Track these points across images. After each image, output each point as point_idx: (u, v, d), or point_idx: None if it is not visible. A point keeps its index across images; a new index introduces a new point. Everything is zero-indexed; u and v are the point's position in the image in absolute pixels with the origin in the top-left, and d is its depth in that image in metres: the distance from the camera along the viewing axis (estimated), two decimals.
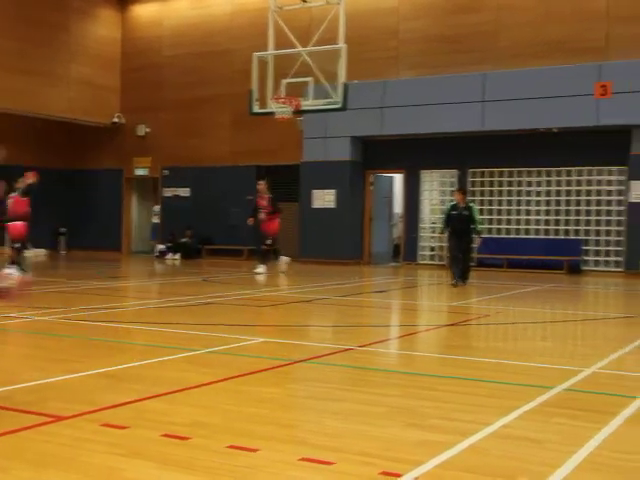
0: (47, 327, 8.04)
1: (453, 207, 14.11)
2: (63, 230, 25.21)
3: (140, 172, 24.48)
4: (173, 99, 23.67)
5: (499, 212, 19.13)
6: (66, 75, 22.77)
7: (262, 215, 16.76)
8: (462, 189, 14.96)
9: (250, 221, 17.01)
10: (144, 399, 4.79)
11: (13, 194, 14.60)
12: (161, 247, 22.71)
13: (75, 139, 25.34)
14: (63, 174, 25.24)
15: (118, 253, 24.31)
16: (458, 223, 13.88)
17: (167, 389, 5.07)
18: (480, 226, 14.31)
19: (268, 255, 16.77)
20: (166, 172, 23.85)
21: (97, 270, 17.20)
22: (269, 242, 16.68)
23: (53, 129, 24.61)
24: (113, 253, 24.05)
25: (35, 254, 22.73)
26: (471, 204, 14.38)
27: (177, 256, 21.99)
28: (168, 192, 23.89)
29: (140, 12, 24.50)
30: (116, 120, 24.39)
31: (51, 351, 6.62)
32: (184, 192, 23.52)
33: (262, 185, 17.10)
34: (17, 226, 14.59)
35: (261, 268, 16.41)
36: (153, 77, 24.04)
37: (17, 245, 14.64)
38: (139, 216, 25.31)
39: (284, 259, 16.67)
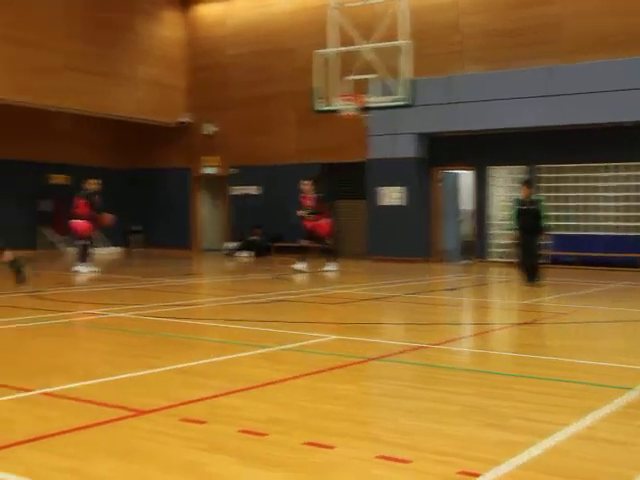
0: (123, 324, 8.22)
1: (520, 202, 13.54)
2: (135, 229, 25.73)
3: (208, 171, 24.80)
4: (238, 98, 23.90)
5: (569, 208, 18.74)
6: (134, 76, 23.21)
7: (304, 214, 16.60)
8: (527, 182, 14.12)
9: (300, 213, 16.73)
10: (220, 395, 4.86)
11: (80, 194, 16.03)
12: (231, 245, 22.96)
13: (144, 139, 25.81)
14: (133, 174, 25.78)
15: (188, 251, 24.68)
16: (525, 219, 13.19)
17: (242, 385, 5.13)
18: (546, 222, 13.62)
19: (327, 253, 16.63)
20: (234, 170, 24.10)
21: (170, 268, 17.50)
22: (329, 242, 16.74)
23: (122, 129, 25.13)
24: (184, 251, 24.42)
25: (108, 252, 23.28)
26: (538, 198, 13.78)
27: (247, 254, 22.21)
28: (236, 190, 24.15)
29: (204, 13, 24.81)
30: (183, 120, 24.76)
31: (128, 347, 6.77)
32: (252, 190, 23.74)
33: (307, 185, 16.74)
34: (79, 224, 15.81)
35: (300, 265, 16.24)
36: (218, 76, 24.32)
37: (81, 243, 15.93)
38: (209, 214, 25.64)
39: (332, 265, 16.52)
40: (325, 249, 16.89)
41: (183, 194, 25.25)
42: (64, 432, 3.99)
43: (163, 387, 5.12)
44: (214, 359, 6.16)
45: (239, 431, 4.05)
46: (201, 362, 6.02)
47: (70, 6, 21.16)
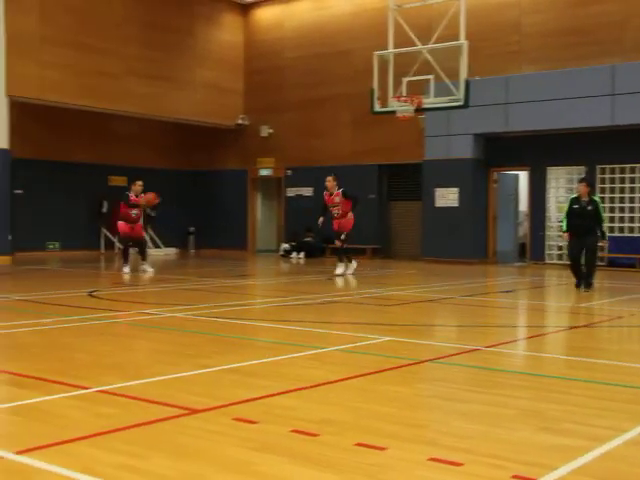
0: (178, 323, 8.32)
1: (574, 201, 12.46)
2: (192, 230, 26.04)
3: (264, 172, 24.97)
4: (295, 100, 24.01)
5: (630, 210, 18.35)
6: (192, 79, 23.50)
7: (334, 212, 15.78)
8: (586, 180, 12.90)
9: (320, 221, 15.87)
10: (273, 395, 4.88)
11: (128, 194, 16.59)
12: (285, 246, 23.06)
13: (202, 141, 26.11)
14: (191, 175, 26.10)
15: (244, 252, 24.87)
16: (579, 220, 12.24)
17: (295, 386, 5.15)
18: (604, 225, 12.58)
19: (343, 253, 15.85)
20: (289, 172, 24.22)
21: (225, 268, 17.66)
22: (342, 237, 15.70)
23: (181, 132, 25.47)
24: (239, 252, 24.63)
25: (166, 253, 23.60)
26: (596, 198, 12.65)
27: (301, 255, 22.29)
28: (291, 192, 24.25)
29: (262, 16, 24.98)
30: (240, 122, 24.97)
31: (182, 347, 6.84)
32: (307, 192, 23.81)
33: (330, 182, 15.78)
34: (119, 225, 16.52)
35: (340, 268, 15.58)
36: (275, 79, 24.47)
37: (123, 243, 16.81)
38: (263, 215, 25.81)
39: (354, 264, 15.85)
40: (339, 249, 16.07)
41: (239, 195, 25.46)
42: (120, 429, 4.05)
43: (216, 386, 5.16)
44: (267, 359, 6.19)
45: (291, 431, 4.06)
46: (254, 362, 6.06)
47: (130, 12, 21.54)
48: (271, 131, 24.57)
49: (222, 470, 3.46)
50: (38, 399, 4.72)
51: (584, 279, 12.40)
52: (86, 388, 5.01)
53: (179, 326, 8.11)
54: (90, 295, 10.92)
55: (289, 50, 24.22)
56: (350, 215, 15.85)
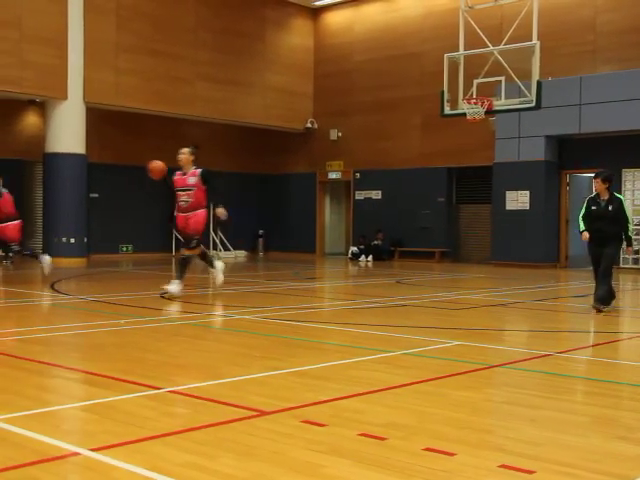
0: (247, 325, 8.40)
1: (592, 201, 10.23)
2: (261, 233, 26.28)
3: (333, 175, 25.03)
4: (364, 103, 24.00)
5: None
6: (262, 83, 23.72)
7: (181, 200, 11.25)
8: (603, 175, 10.17)
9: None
10: (341, 398, 4.89)
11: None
12: (354, 249, 23.07)
13: (271, 144, 26.33)
14: (261, 179, 26.34)
15: (312, 255, 24.97)
16: (599, 223, 10.07)
17: (363, 389, 5.14)
18: (630, 227, 10.19)
19: (185, 265, 11.38)
20: (358, 175, 24.22)
21: (293, 271, 17.76)
22: (194, 244, 11.11)
23: (251, 135, 25.73)
24: (307, 255, 24.73)
25: (235, 256, 23.86)
26: (619, 196, 10.32)
27: (369, 258, 22.25)
28: (360, 195, 24.25)
29: (331, 19, 25.06)
30: (309, 125, 25.09)
31: (251, 348, 6.90)
32: (376, 195, 23.78)
33: (185, 155, 11.34)
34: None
35: (175, 285, 11.06)
36: (344, 82, 24.51)
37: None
38: (332, 218, 25.87)
39: (219, 270, 11.90)
40: (183, 259, 11.46)
41: (308, 198, 25.58)
42: (190, 429, 4.11)
43: (285, 389, 5.19)
44: (336, 362, 6.20)
45: (359, 434, 4.06)
46: (322, 365, 6.07)
47: (202, 17, 21.88)
48: (340, 134, 24.62)
49: (290, 472, 3.48)
50: (112, 398, 4.83)
51: (601, 296, 10.10)
52: (158, 388, 5.10)
53: (248, 328, 8.18)
54: (162, 297, 11.12)
55: (358, 53, 24.24)
56: (202, 212, 11.15)
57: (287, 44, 24.70)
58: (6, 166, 20.78)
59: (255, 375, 5.61)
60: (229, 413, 4.48)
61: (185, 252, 11.33)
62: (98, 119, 20.65)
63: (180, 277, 11.09)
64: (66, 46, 18.87)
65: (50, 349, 6.96)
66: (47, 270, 14.03)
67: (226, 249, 24.42)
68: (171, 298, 10.86)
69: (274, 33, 24.27)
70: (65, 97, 18.97)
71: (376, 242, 22.71)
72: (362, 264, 21.42)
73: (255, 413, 4.46)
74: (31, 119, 21.60)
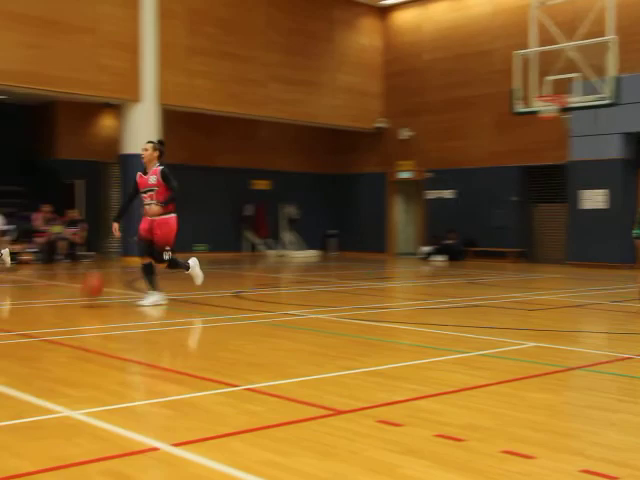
0: (320, 325, 8.43)
1: None
2: (333, 232, 26.35)
3: (404, 175, 24.91)
4: (434, 102, 23.82)
5: None
6: (332, 84, 23.78)
7: (145, 202, 10.01)
8: None
9: (115, 228, 10.13)
10: (417, 398, 4.86)
11: None
12: (426, 249, 22.92)
13: (342, 144, 26.38)
14: (331, 178, 26.41)
15: (383, 255, 24.91)
16: None
17: (439, 389, 5.10)
18: None
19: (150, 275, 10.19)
20: (429, 174, 24.05)
21: (366, 271, 17.74)
22: (167, 256, 9.81)
23: (321, 136, 25.82)
24: (378, 255, 24.69)
25: (305, 255, 23.98)
26: None
27: (442, 258, 22.08)
28: (432, 194, 24.08)
29: (400, 18, 24.95)
30: (380, 125, 25.02)
31: (325, 348, 6.92)
32: (447, 194, 23.58)
33: (147, 151, 9.86)
34: None
35: (152, 297, 10.01)
36: (414, 81, 24.38)
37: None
38: (403, 218, 25.75)
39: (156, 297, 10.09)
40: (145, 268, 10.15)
41: (378, 198, 25.53)
42: (267, 427, 4.15)
43: (360, 388, 5.19)
44: (410, 362, 6.17)
45: (435, 435, 4.03)
46: (396, 365, 6.05)
47: (272, 19, 22.06)
48: (411, 134, 24.49)
49: (367, 472, 3.47)
50: (189, 395, 4.91)
51: None
52: (234, 386, 5.16)
53: (321, 327, 8.21)
54: (236, 296, 11.25)
55: (428, 52, 24.07)
56: (171, 217, 9.74)
57: (356, 44, 24.70)
58: (83, 167, 21.40)
59: (330, 374, 5.62)
60: (305, 412, 4.50)
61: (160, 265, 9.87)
62: (173, 120, 21.01)
63: (153, 287, 9.83)
64: (140, 50, 19.27)
65: (130, 346, 7.12)
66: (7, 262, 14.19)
67: (298, 248, 24.56)
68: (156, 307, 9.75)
69: (343, 33, 24.30)
70: (139, 99, 19.37)
71: (448, 242, 22.50)
72: (434, 264, 21.25)
73: (331, 412, 4.47)
74: (107, 121, 22.13)
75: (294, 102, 22.60)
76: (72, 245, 19.87)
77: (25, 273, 15.82)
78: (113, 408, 4.57)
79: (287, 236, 24.79)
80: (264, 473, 3.41)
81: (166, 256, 9.69)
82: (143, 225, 9.75)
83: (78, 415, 4.33)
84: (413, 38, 24.52)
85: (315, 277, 15.92)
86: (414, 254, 24.19)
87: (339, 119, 24.08)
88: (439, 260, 22.01)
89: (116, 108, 20.69)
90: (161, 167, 9.64)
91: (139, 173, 9.90)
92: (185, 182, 22.47)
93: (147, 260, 9.74)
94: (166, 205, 9.55)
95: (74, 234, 19.97)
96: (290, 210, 24.87)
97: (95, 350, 6.49)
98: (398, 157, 24.88)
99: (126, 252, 19.66)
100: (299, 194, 25.27)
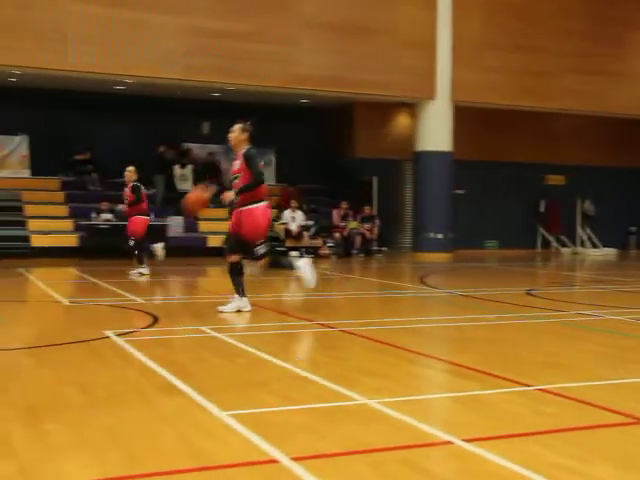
0: (617, 326, 7.97)
1: None
2: (633, 229, 24.84)
3: None
4: None
5: None
6: (634, 72, 22.20)
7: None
8: None
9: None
10: None
11: None
12: None
13: None
14: (630, 172, 24.82)
15: None
16: None
17: None
18: None
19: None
20: None
21: None
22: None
23: (620, 127, 24.30)
24: None
25: (604, 254, 22.81)
26: None
27: None
28: None
29: None
30: None
31: (623, 351, 6.56)
32: None
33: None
34: None
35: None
36: None
37: None
38: None
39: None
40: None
41: None
42: (561, 430, 4.03)
43: None
44: None
45: None
46: None
47: (570, 5, 21.14)
48: None
49: None
50: (480, 391, 4.90)
51: None
52: (527, 385, 5.06)
53: (619, 329, 7.77)
54: (528, 293, 11.02)
55: None
56: (257, 207, 8.48)
57: None
58: (379, 165, 22.17)
59: (628, 380, 5.32)
60: (602, 417, 4.30)
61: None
62: (465, 117, 21.02)
63: (237, 290, 8.66)
64: (435, 48, 19.54)
65: (421, 340, 7.28)
66: (160, 256, 14.01)
67: (594, 246, 23.45)
68: None
69: None
70: (433, 97, 19.65)
71: None
72: None
73: (632, 420, 4.23)
74: (402, 120, 22.70)
75: (592, 93, 21.48)
76: (366, 240, 20.70)
77: (323, 266, 16.77)
78: (406, 399, 4.71)
79: (582, 233, 23.74)
80: (558, 477, 3.32)
81: (261, 250, 8.53)
82: (232, 218, 8.66)
83: (374, 403, 4.52)
84: None
85: (612, 276, 15.07)
86: None
87: None
88: None
89: (410, 106, 21.16)
90: (245, 149, 8.49)
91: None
92: (476, 178, 22.59)
93: (233, 258, 8.59)
94: (243, 192, 8.32)
95: (368, 230, 20.80)
96: (586, 206, 23.80)
97: (388, 342, 6.72)
98: None
99: (418, 248, 20.08)
100: (596, 189, 24.05)
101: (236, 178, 8.42)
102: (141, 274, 13.17)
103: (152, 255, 14.00)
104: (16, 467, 3.41)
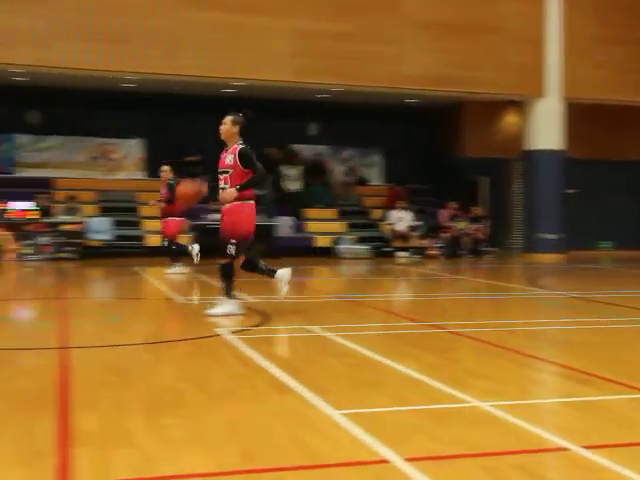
0: None
1: None
2: None
3: None
4: None
5: None
6: None
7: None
8: None
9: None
10: None
11: None
12: None
13: None
14: None
15: None
16: None
17: None
18: None
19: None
20: None
21: None
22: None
23: None
24: None
25: None
26: None
27: None
28: None
29: None
30: None
31: None
32: None
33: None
34: None
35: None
36: None
37: None
38: None
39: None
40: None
41: None
42: None
43: None
44: None
45: None
46: None
47: None
48: None
49: None
50: (596, 397, 4.76)
51: None
52: None
53: None
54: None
55: None
56: (247, 204, 8.09)
57: None
58: (486, 164, 21.82)
59: None
60: None
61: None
62: (574, 114, 20.41)
63: (225, 293, 8.22)
64: (544, 44, 19.06)
65: (531, 342, 7.10)
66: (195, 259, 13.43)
67: None
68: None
69: None
70: (543, 94, 19.18)
71: None
72: None
73: None
74: (510, 118, 22.24)
75: None
76: (475, 241, 20.40)
77: (431, 267, 16.64)
78: (519, 403, 4.62)
79: None
80: None
81: (230, 250, 7.93)
82: (221, 215, 8.28)
83: (487, 406, 4.45)
84: None
85: None
86: None
87: None
88: None
89: (517, 104, 20.72)
90: (241, 146, 8.00)
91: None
92: (588, 177, 21.88)
93: (224, 259, 8.08)
94: (243, 189, 7.90)
95: (477, 230, 20.49)
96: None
97: (498, 344, 6.60)
98: None
99: (530, 248, 19.65)
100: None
101: (226, 172, 8.01)
102: (181, 273, 13.40)
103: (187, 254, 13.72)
104: (140, 456, 3.54)
